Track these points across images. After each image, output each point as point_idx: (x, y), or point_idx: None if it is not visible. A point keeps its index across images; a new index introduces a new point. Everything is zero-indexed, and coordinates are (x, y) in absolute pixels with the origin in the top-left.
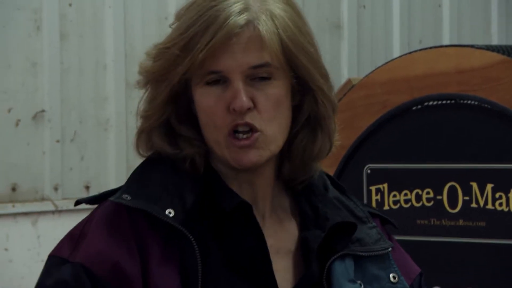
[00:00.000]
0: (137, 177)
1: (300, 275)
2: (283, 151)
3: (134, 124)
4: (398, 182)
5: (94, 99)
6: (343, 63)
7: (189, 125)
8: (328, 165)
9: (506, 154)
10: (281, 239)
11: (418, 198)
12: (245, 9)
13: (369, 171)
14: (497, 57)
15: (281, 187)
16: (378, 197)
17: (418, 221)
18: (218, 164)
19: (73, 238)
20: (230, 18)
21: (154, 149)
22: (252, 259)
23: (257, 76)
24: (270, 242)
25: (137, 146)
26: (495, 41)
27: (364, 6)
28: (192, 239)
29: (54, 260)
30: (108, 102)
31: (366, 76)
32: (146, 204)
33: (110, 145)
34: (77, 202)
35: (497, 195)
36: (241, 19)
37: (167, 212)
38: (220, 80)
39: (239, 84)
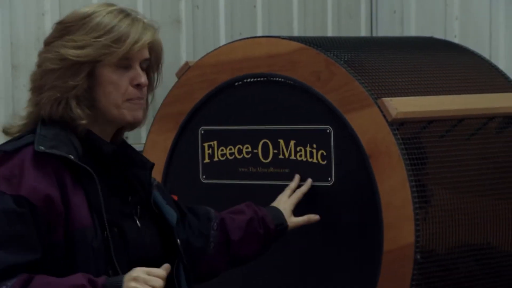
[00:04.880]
0: (42, 134)
1: (138, 195)
2: None
3: (21, 97)
4: (224, 140)
5: None
6: (182, 49)
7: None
8: (171, 128)
9: (304, 118)
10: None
11: (240, 151)
12: (148, 25)
13: (202, 132)
14: (297, 45)
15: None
16: (210, 151)
17: (240, 169)
18: (95, 126)
19: (8, 177)
20: (147, 29)
21: (67, 113)
22: (129, 186)
23: (141, 66)
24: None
25: (51, 110)
26: (296, 33)
27: (197, 6)
28: (92, 172)
29: None
30: None
31: (199, 59)
32: (58, 151)
33: None
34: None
35: (298, 149)
36: (154, 31)
37: (70, 156)
38: (125, 65)
39: (139, 68)
